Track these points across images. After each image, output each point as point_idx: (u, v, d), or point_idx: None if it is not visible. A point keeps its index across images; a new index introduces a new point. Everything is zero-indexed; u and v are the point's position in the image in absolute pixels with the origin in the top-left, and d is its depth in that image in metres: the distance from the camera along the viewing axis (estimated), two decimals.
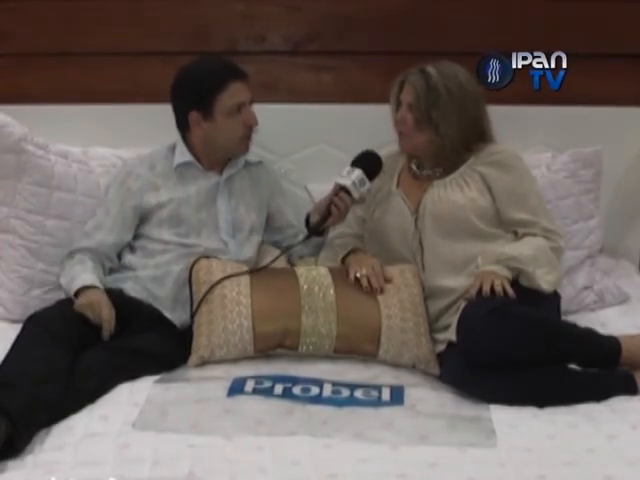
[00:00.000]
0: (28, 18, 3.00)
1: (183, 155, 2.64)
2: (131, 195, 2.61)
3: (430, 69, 2.52)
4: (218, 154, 2.63)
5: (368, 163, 2.53)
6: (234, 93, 2.56)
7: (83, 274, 2.51)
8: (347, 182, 2.48)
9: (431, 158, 2.57)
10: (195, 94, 2.57)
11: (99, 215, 2.64)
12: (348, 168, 2.51)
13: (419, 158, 2.61)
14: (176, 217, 2.60)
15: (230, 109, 2.56)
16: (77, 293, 2.46)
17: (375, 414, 2.12)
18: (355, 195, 2.48)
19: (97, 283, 2.49)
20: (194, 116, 2.59)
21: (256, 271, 2.51)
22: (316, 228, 2.52)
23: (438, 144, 2.53)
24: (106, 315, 2.39)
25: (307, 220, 2.58)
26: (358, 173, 2.48)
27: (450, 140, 2.51)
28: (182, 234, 2.60)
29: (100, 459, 1.89)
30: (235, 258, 2.58)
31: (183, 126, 2.64)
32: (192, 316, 2.44)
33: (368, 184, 2.50)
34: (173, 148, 2.67)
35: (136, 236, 2.63)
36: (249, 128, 2.60)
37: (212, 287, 2.43)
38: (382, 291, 2.44)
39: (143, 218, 2.62)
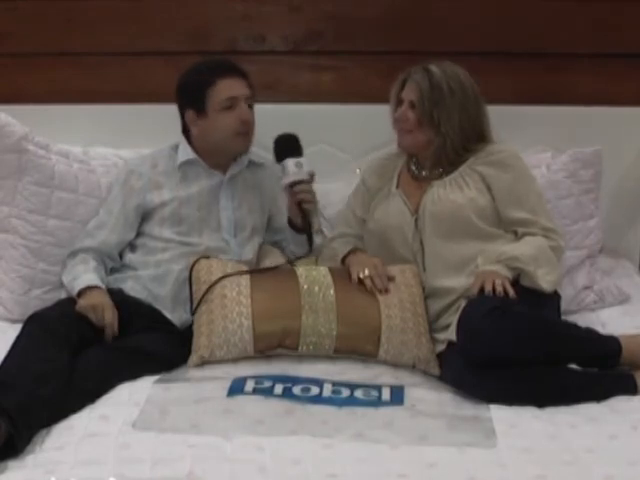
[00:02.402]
0: (28, 18, 3.00)
1: (187, 153, 2.65)
2: (134, 194, 2.62)
3: (433, 68, 2.52)
4: (218, 153, 2.63)
5: (287, 148, 2.54)
6: (223, 88, 2.57)
7: (86, 274, 2.51)
8: (290, 179, 2.50)
9: (430, 157, 2.57)
10: (188, 93, 2.61)
11: (101, 214, 2.64)
12: (280, 167, 2.52)
13: (418, 157, 2.61)
14: (177, 215, 2.60)
15: (220, 104, 2.57)
16: (80, 293, 2.46)
17: (375, 414, 2.12)
18: (304, 177, 2.50)
19: (100, 283, 2.49)
20: (190, 115, 2.61)
21: (257, 272, 2.51)
22: (307, 229, 2.54)
23: (438, 143, 2.53)
24: (109, 318, 2.39)
25: (290, 225, 2.59)
26: (289, 163, 2.50)
27: (451, 139, 2.51)
28: (183, 232, 2.60)
29: (100, 459, 1.89)
30: (236, 258, 2.59)
31: (184, 127, 2.65)
32: (193, 313, 2.45)
33: (302, 159, 2.51)
34: (176, 148, 2.68)
35: (137, 234, 2.64)
36: (243, 124, 2.58)
37: (211, 286, 2.42)
38: (387, 291, 2.45)
39: (145, 216, 2.62)
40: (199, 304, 2.43)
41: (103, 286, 2.49)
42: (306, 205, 2.51)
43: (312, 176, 2.53)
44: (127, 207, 2.61)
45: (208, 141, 2.61)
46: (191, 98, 2.60)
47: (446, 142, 2.52)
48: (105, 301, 2.42)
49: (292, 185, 2.50)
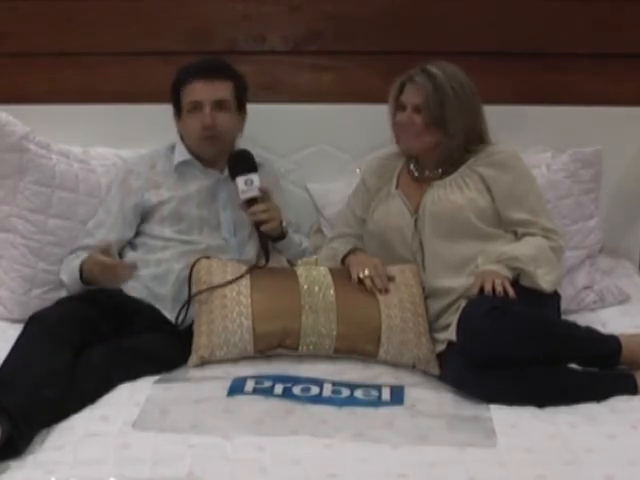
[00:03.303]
0: (28, 18, 3.00)
1: (182, 154, 2.66)
2: (132, 193, 2.62)
3: (433, 69, 2.51)
4: (197, 154, 2.65)
5: (238, 165, 2.55)
6: (190, 91, 2.60)
7: (79, 259, 2.54)
8: (241, 197, 2.51)
9: (435, 159, 2.56)
10: (171, 93, 2.65)
11: (100, 214, 2.65)
12: (235, 185, 2.53)
13: (420, 159, 2.61)
14: (177, 214, 2.61)
15: (187, 107, 2.60)
16: (81, 272, 2.50)
17: (375, 414, 2.12)
18: (255, 194, 2.50)
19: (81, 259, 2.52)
20: (174, 114, 2.66)
21: (255, 268, 2.51)
22: (263, 246, 2.53)
23: (445, 145, 2.52)
24: (108, 261, 2.42)
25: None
26: (239, 181, 2.51)
27: (457, 140, 2.51)
28: (183, 231, 2.61)
29: (100, 459, 1.89)
30: (237, 257, 2.59)
31: None
32: (178, 314, 2.45)
33: (253, 175, 2.51)
34: (172, 148, 2.69)
35: (137, 233, 2.64)
36: (204, 129, 2.58)
37: (200, 292, 2.43)
38: (387, 291, 2.44)
39: (144, 216, 2.63)
40: (188, 304, 2.44)
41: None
42: (263, 227, 2.52)
43: (264, 191, 2.52)
44: (125, 206, 2.62)
45: (185, 141, 2.65)
46: (171, 97, 2.65)
47: (452, 143, 2.51)
48: (95, 258, 2.45)
49: (248, 202, 2.51)
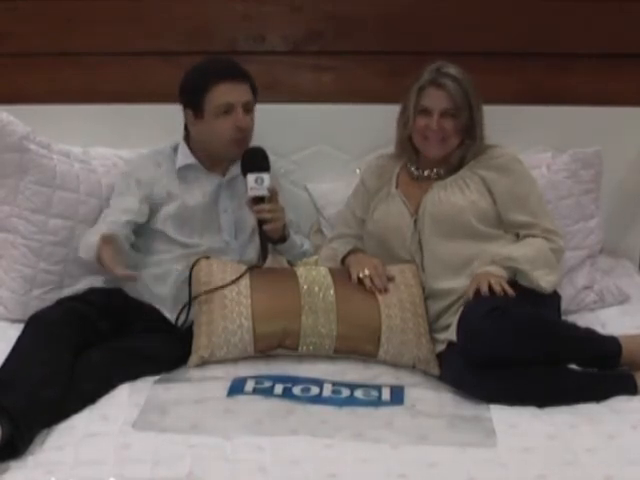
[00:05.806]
0: (28, 18, 3.00)
1: (185, 157, 2.64)
2: (142, 186, 2.59)
3: (452, 71, 2.50)
4: (214, 156, 2.63)
5: (251, 162, 2.53)
6: (220, 93, 2.55)
7: (96, 235, 2.43)
8: (249, 194, 2.49)
9: (444, 161, 2.56)
10: (187, 92, 2.60)
11: (114, 202, 2.61)
12: (245, 181, 2.51)
13: (425, 160, 2.59)
14: (179, 217, 2.60)
15: (216, 109, 2.55)
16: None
17: (375, 414, 2.12)
18: (263, 193, 2.49)
19: (98, 236, 2.40)
20: (189, 114, 2.61)
21: (254, 267, 2.51)
22: (262, 245, 2.52)
23: (467, 146, 2.53)
24: (110, 266, 2.34)
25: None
26: (250, 178, 2.49)
27: (478, 140, 2.52)
28: (185, 234, 2.60)
29: (100, 459, 1.89)
30: (238, 259, 2.59)
31: (185, 124, 2.65)
32: (178, 315, 2.45)
33: (264, 174, 2.49)
34: (176, 149, 2.67)
35: (139, 234, 2.63)
36: (238, 130, 2.56)
37: (199, 295, 2.43)
38: (386, 291, 2.44)
39: (150, 212, 2.60)
40: (189, 304, 2.43)
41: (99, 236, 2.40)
42: (265, 227, 2.50)
43: (272, 191, 2.51)
44: (138, 196, 2.57)
45: (205, 143, 2.61)
46: (190, 99, 2.59)
47: (474, 144, 2.52)
48: (103, 256, 2.36)
49: (254, 200, 2.50)
